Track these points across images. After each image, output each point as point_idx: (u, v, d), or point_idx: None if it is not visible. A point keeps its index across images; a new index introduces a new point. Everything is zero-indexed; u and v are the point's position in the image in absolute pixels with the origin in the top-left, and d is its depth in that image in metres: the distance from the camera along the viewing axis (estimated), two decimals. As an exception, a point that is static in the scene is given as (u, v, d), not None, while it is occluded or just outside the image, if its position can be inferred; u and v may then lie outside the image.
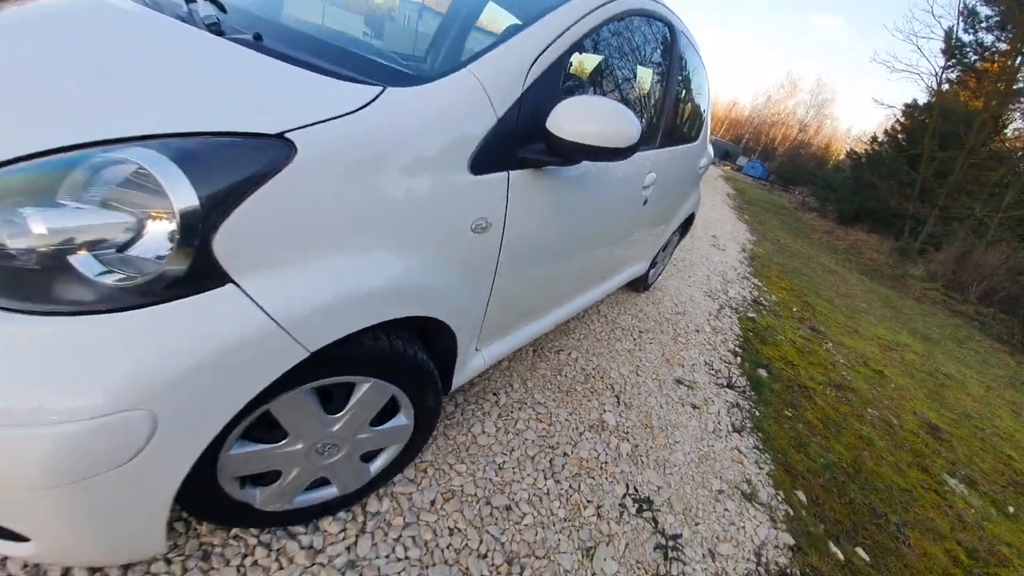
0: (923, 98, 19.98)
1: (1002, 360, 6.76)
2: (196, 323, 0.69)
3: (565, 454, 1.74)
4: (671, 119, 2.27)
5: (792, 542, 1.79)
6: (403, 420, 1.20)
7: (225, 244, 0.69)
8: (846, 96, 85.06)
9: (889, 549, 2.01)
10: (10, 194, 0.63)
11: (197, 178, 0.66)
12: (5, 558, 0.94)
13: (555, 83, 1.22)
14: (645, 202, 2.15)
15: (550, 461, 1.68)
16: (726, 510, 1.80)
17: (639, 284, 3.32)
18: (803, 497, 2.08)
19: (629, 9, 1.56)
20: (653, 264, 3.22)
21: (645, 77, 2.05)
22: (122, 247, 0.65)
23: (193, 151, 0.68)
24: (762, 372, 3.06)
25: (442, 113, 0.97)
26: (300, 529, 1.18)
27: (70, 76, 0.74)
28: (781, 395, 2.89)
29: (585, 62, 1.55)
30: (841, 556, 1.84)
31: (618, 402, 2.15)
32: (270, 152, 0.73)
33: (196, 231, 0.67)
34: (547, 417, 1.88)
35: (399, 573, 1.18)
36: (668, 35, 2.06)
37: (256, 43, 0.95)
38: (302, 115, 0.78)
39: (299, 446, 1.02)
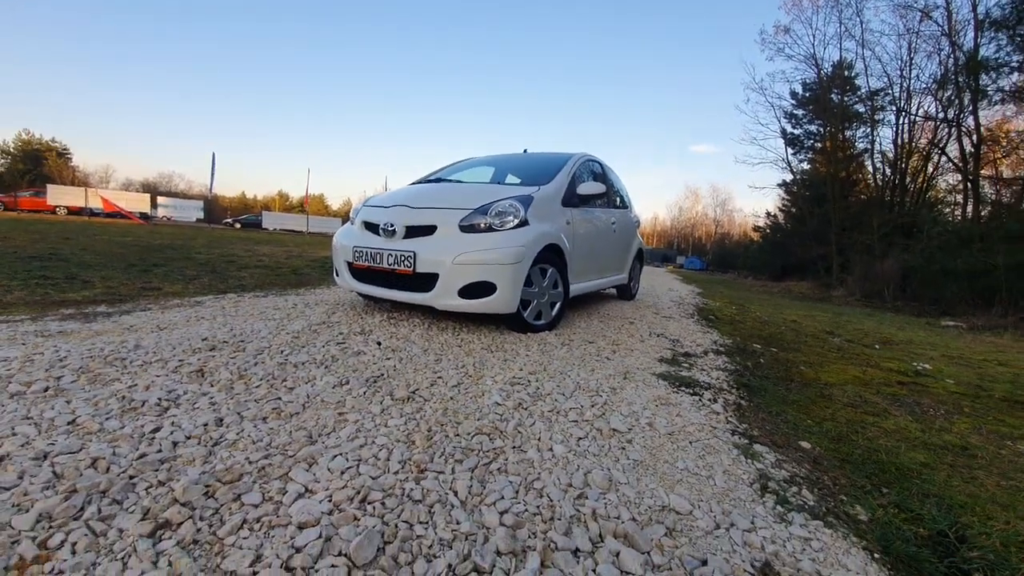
0: (788, 176, 25.83)
1: (905, 319, 9.07)
2: (526, 232, 2.96)
3: (624, 325, 3.80)
4: (612, 199, 4.87)
5: (731, 341, 3.81)
6: (560, 289, 3.35)
7: (529, 215, 3.01)
8: (740, 191, 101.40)
9: (791, 349, 4.01)
10: (494, 214, 2.94)
11: (523, 205, 3.01)
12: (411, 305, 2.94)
13: (574, 179, 3.72)
14: (614, 231, 4.60)
15: (619, 327, 3.74)
16: (698, 335, 3.84)
17: (626, 293, 5.60)
18: (738, 338, 4.12)
19: (587, 159, 4.22)
20: (631, 279, 5.54)
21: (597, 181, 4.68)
22: (513, 221, 2.95)
23: (520, 198, 3.05)
24: (711, 317, 5.22)
25: (552, 192, 3.41)
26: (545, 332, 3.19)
27: (463, 194, 3.19)
28: (724, 322, 5.02)
29: (580, 174, 4.11)
30: (759, 347, 3.85)
31: (640, 320, 4.26)
32: (532, 198, 3.10)
33: (524, 216, 2.98)
34: (610, 323, 3.96)
35: (569, 340, 3.17)
36: (601, 166, 4.78)
37: (499, 183, 3.40)
38: (531, 191, 3.18)
39: (536, 289, 3.14)
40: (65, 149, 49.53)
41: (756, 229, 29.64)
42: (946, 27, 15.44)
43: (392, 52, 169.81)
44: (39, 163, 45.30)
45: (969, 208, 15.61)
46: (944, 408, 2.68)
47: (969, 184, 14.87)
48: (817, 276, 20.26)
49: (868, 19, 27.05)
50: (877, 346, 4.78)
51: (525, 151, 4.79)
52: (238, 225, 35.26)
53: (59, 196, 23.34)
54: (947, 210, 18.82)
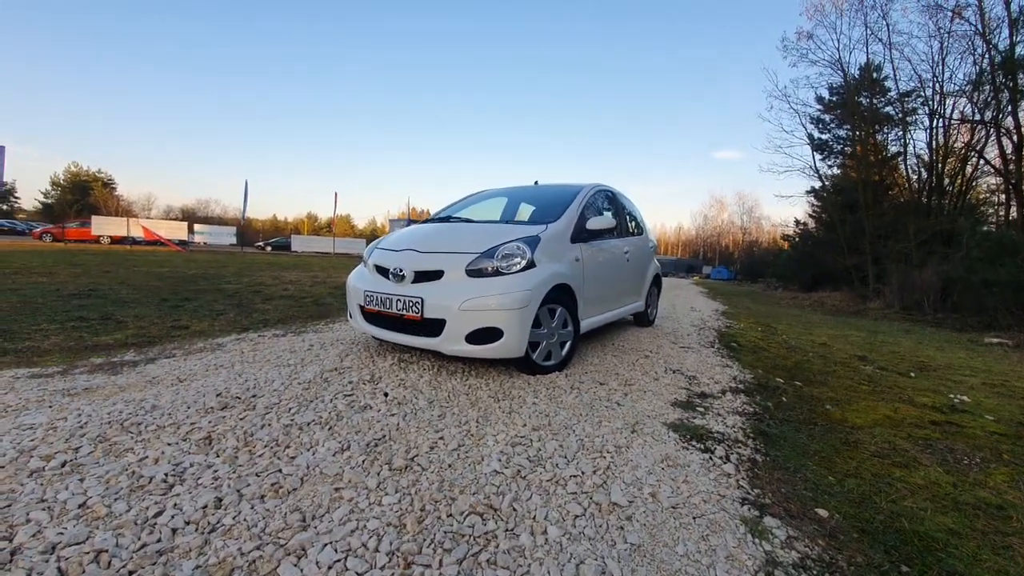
0: (817, 183, 25.04)
1: (946, 335, 8.59)
2: (533, 274, 2.95)
3: (639, 360, 3.73)
4: (625, 227, 4.82)
5: (752, 376, 3.68)
6: (570, 328, 3.32)
7: (537, 256, 3.01)
8: (767, 199, 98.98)
9: (816, 382, 3.84)
10: (500, 258, 2.96)
11: (529, 247, 3.02)
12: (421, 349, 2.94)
13: (584, 214, 3.71)
14: (628, 260, 4.55)
15: (633, 362, 3.67)
16: (716, 369, 3.73)
17: (644, 320, 5.50)
18: (760, 371, 3.98)
19: (597, 190, 4.20)
20: (648, 305, 5.45)
21: (610, 211, 4.65)
22: (520, 264, 2.96)
23: (527, 239, 3.06)
24: (733, 344, 5.06)
25: (560, 230, 3.41)
26: (555, 374, 3.16)
27: (470, 236, 3.21)
28: (746, 350, 4.86)
29: (591, 206, 4.09)
30: (782, 381, 3.70)
31: (656, 352, 4.17)
32: (539, 239, 3.11)
33: (530, 258, 2.98)
34: (624, 357, 3.90)
35: (580, 381, 3.13)
36: (613, 195, 4.74)
37: (508, 222, 3.43)
38: (539, 231, 3.19)
39: (545, 330, 3.13)
40: (110, 179, 52.65)
41: (785, 238, 28.78)
42: (979, 26, 14.81)
43: (416, 74, 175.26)
44: (86, 194, 48.25)
45: (1013, 211, 14.79)
46: (980, 455, 2.51)
47: (1011, 187, 14.09)
48: (851, 287, 19.43)
49: (895, 21, 26.23)
50: (912, 374, 4.53)
51: (536, 183, 4.81)
52: (269, 248, 36.54)
53: (103, 226, 24.80)
54: (990, 211, 17.86)
